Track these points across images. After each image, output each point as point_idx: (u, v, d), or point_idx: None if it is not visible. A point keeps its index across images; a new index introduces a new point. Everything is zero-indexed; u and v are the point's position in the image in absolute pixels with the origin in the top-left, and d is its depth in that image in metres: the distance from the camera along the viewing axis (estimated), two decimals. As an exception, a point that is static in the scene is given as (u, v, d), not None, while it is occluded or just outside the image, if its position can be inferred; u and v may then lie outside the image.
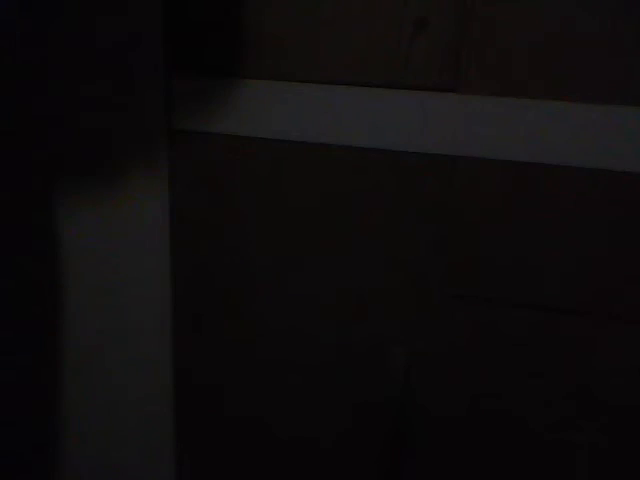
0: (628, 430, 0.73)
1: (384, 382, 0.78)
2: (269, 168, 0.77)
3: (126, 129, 0.83)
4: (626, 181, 0.67)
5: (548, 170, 0.69)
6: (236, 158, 0.78)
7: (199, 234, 0.82)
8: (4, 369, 0.94)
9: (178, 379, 0.88)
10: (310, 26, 0.72)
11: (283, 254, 0.79)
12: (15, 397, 0.94)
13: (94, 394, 0.96)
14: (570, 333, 0.72)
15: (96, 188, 0.86)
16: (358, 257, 0.77)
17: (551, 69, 0.66)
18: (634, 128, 0.65)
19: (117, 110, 0.82)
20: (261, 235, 0.79)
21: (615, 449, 0.74)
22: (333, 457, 0.84)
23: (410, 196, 0.73)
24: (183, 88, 0.77)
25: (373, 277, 0.77)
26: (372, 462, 0.82)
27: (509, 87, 0.68)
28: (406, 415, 0.79)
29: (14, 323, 0.92)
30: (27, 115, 0.84)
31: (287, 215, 0.78)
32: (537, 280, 0.72)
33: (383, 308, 0.77)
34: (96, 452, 0.97)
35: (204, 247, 0.82)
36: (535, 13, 0.66)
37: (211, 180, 0.80)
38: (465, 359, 0.76)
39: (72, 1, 0.81)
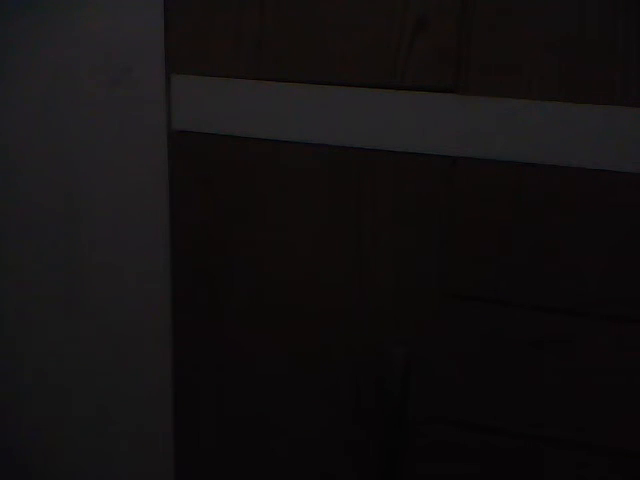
0: (629, 430, 0.73)
1: (384, 382, 0.78)
2: (269, 168, 0.77)
3: (126, 129, 0.83)
4: (626, 181, 0.67)
5: (548, 170, 0.69)
6: (236, 158, 0.78)
7: (199, 234, 0.82)
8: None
9: (178, 379, 0.88)
10: (310, 26, 0.72)
11: (283, 254, 0.79)
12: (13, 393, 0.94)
13: (93, 393, 0.96)
14: (570, 333, 0.72)
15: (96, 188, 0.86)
16: (357, 257, 0.77)
17: (551, 69, 0.66)
18: (634, 128, 0.65)
19: (117, 110, 0.82)
20: (261, 235, 0.79)
21: (615, 449, 0.74)
22: (332, 457, 0.84)
23: (410, 196, 0.73)
24: (183, 88, 0.77)
25: (373, 277, 0.77)
26: (371, 462, 0.82)
27: (509, 87, 0.68)
28: (405, 415, 0.79)
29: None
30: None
31: (287, 215, 0.78)
32: (537, 280, 0.72)
33: (383, 308, 0.77)
34: (96, 452, 0.97)
35: (204, 247, 0.82)
36: (535, 13, 0.66)
37: (211, 180, 0.80)
38: (465, 359, 0.76)
39: (73, 0, 0.81)
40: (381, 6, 0.69)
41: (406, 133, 0.71)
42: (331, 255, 0.78)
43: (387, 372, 0.77)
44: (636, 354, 0.71)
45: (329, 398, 0.82)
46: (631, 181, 0.67)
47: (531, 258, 0.71)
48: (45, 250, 0.92)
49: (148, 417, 0.91)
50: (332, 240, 0.77)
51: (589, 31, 0.65)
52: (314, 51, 0.72)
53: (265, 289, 0.81)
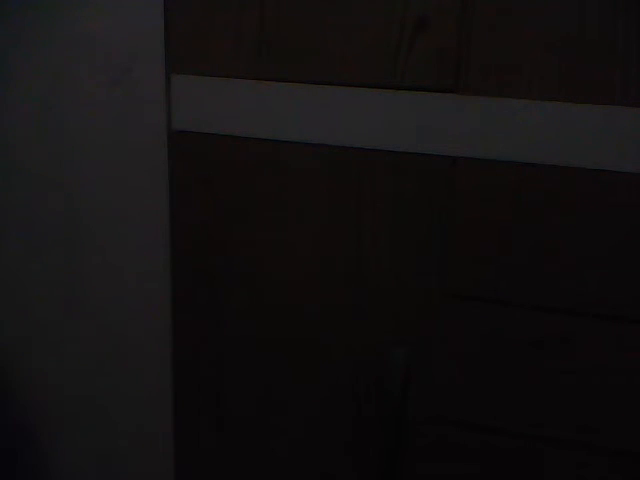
0: (629, 430, 0.73)
1: (384, 382, 0.78)
2: (269, 168, 0.77)
3: (126, 129, 0.83)
4: (626, 181, 0.67)
5: (548, 170, 0.69)
6: (236, 158, 0.78)
7: (199, 234, 0.82)
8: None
9: (178, 379, 0.88)
10: (310, 26, 0.72)
11: (283, 254, 0.79)
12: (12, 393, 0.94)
13: (93, 394, 0.96)
14: (570, 333, 0.72)
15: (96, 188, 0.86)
16: (357, 257, 0.77)
17: (551, 69, 0.66)
18: (634, 128, 0.65)
19: (117, 110, 0.82)
20: (261, 235, 0.79)
21: (615, 449, 0.74)
22: (332, 457, 0.84)
23: (410, 196, 0.73)
24: (183, 88, 0.77)
25: (373, 277, 0.77)
26: (371, 462, 0.82)
27: (509, 87, 0.68)
28: (405, 415, 0.79)
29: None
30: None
31: (287, 215, 0.78)
32: (537, 280, 0.72)
33: (383, 308, 0.77)
34: (96, 451, 0.97)
35: (204, 247, 0.82)
36: (535, 13, 0.66)
37: (211, 180, 0.80)
38: (465, 359, 0.76)
39: (73, 0, 0.81)
40: (381, 6, 0.69)
41: (406, 133, 0.71)
42: (331, 255, 0.78)
43: (387, 372, 0.77)
44: (636, 354, 0.71)
45: (329, 398, 0.82)
46: (631, 181, 0.67)
47: (531, 258, 0.71)
48: (45, 250, 0.92)
49: (148, 417, 0.91)
50: (332, 240, 0.77)
51: (589, 31, 0.65)
52: (314, 51, 0.72)
53: (265, 289, 0.81)
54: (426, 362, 0.77)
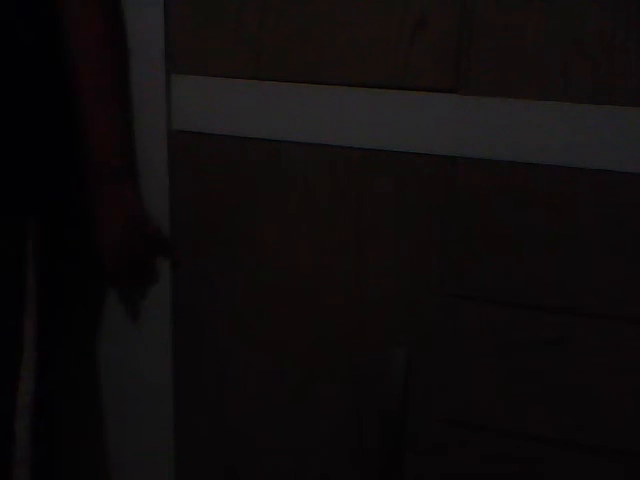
0: (629, 428, 0.73)
1: (384, 383, 0.78)
2: (269, 168, 0.77)
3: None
4: (626, 181, 0.67)
5: (548, 170, 0.69)
6: (236, 158, 0.78)
7: (199, 234, 0.82)
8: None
9: (178, 379, 0.88)
10: (310, 26, 0.72)
11: (283, 254, 0.79)
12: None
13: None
14: (570, 333, 0.72)
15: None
16: (358, 257, 0.77)
17: (551, 69, 0.66)
18: (634, 128, 0.65)
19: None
20: (261, 234, 0.80)
21: (616, 449, 0.74)
22: (333, 458, 0.84)
23: (410, 196, 0.73)
24: (183, 88, 0.77)
25: (373, 277, 0.77)
26: (373, 462, 0.82)
27: (509, 87, 0.68)
28: (406, 415, 0.79)
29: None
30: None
31: (287, 215, 0.78)
32: (537, 280, 0.72)
33: (383, 308, 0.77)
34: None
35: (203, 246, 0.82)
36: (534, 14, 0.66)
37: (211, 180, 0.80)
38: (465, 359, 0.76)
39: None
40: (381, 6, 0.69)
41: (406, 133, 0.71)
42: (331, 255, 0.78)
43: (387, 373, 0.77)
44: (636, 354, 0.71)
45: (329, 399, 0.82)
46: (631, 181, 0.67)
47: (531, 258, 0.71)
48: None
49: (148, 417, 0.91)
50: (332, 240, 0.77)
51: (589, 32, 0.65)
52: (314, 51, 0.72)
53: (265, 289, 0.81)
54: (426, 362, 0.77)
